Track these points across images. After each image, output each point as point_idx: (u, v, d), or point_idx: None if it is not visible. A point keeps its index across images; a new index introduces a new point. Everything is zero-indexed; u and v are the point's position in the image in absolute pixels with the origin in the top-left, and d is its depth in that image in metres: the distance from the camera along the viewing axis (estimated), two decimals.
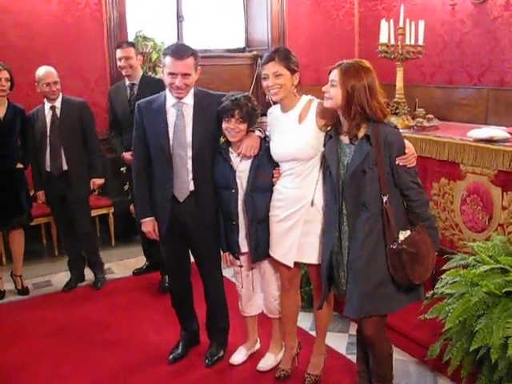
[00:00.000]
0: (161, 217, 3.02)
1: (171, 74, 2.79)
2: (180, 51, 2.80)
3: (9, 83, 4.00)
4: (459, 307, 2.68)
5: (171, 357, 3.27)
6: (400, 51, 4.22)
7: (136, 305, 4.04)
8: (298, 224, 2.74)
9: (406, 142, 2.48)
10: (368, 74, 2.42)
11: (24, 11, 4.97)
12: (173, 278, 3.31)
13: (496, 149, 3.32)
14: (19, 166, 4.15)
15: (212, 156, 2.94)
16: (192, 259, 3.23)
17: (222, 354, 3.26)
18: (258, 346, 3.31)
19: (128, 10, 5.46)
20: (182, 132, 2.89)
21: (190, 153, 2.90)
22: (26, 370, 3.25)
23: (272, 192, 2.84)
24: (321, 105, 2.64)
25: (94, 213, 5.03)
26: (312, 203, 2.70)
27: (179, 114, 2.89)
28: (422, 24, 4.13)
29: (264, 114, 2.95)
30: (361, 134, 2.44)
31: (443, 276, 2.95)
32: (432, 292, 2.97)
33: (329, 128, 2.62)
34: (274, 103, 2.83)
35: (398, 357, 3.10)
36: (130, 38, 5.34)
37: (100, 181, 4.35)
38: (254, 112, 2.84)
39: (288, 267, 2.85)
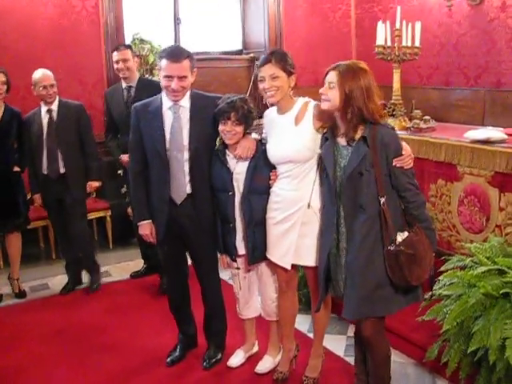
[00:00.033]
0: (158, 219, 3.01)
1: (167, 76, 2.79)
2: (176, 54, 2.80)
3: (5, 86, 4.01)
4: (457, 309, 2.68)
5: (169, 359, 3.26)
6: (397, 53, 4.23)
7: (134, 308, 4.03)
8: (295, 226, 2.74)
9: (403, 143, 2.48)
10: (365, 76, 2.42)
11: (21, 14, 4.97)
12: (170, 281, 3.30)
13: (493, 150, 3.32)
14: (16, 169, 4.15)
15: (209, 158, 2.94)
16: (189, 262, 3.23)
17: (219, 356, 3.25)
18: (255, 348, 3.31)
19: (125, 12, 5.45)
20: (179, 134, 2.88)
21: (186, 155, 2.89)
22: (23, 373, 3.24)
23: (269, 194, 2.84)
24: (318, 107, 2.64)
25: (92, 216, 5.03)
26: (309, 205, 2.70)
27: (176, 117, 2.88)
28: (418, 25, 4.14)
29: (261, 117, 2.95)
30: (358, 135, 2.44)
31: (441, 277, 2.95)
32: (430, 293, 2.96)
33: (325, 130, 2.62)
34: (271, 105, 2.83)
35: (396, 359, 3.09)
36: (127, 41, 5.35)
37: (96, 183, 4.34)
38: (250, 114, 2.84)
39: (285, 269, 2.85)
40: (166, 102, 2.90)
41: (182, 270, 3.21)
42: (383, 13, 5.99)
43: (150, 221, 3.04)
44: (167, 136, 2.88)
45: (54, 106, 4.11)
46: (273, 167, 2.82)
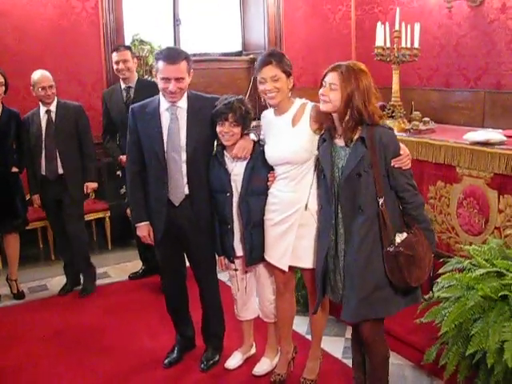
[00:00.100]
0: (156, 221, 3.01)
1: (164, 78, 2.78)
2: (172, 56, 2.79)
3: (3, 87, 4.00)
4: (455, 311, 2.67)
5: (166, 361, 3.26)
6: (396, 54, 4.21)
7: (132, 309, 4.03)
8: (293, 228, 2.73)
9: (401, 143, 2.47)
10: (366, 78, 2.41)
11: (20, 15, 4.96)
12: (168, 282, 3.28)
13: (492, 152, 3.31)
14: (14, 169, 4.15)
15: (207, 159, 2.93)
16: (187, 263, 3.22)
17: (217, 358, 3.25)
18: (253, 350, 3.30)
19: (125, 13, 5.44)
20: (176, 135, 2.88)
21: (184, 156, 2.89)
22: (22, 374, 3.24)
23: (267, 196, 2.83)
24: (315, 108, 2.63)
25: (91, 217, 5.03)
26: (306, 207, 2.70)
27: (173, 118, 2.88)
28: (417, 27, 4.13)
29: (259, 118, 2.94)
30: (356, 136, 2.43)
31: (439, 280, 2.94)
32: (428, 295, 2.95)
33: (323, 131, 2.61)
34: (272, 107, 2.82)
35: (394, 361, 3.08)
36: (127, 42, 5.34)
37: (94, 185, 4.32)
38: (247, 115, 2.83)
39: (283, 271, 2.84)
40: (164, 103, 2.89)
41: (180, 272, 3.20)
42: (383, 14, 5.98)
43: (148, 222, 3.03)
44: (165, 137, 2.88)
45: (53, 107, 4.10)
46: (271, 168, 2.81)
